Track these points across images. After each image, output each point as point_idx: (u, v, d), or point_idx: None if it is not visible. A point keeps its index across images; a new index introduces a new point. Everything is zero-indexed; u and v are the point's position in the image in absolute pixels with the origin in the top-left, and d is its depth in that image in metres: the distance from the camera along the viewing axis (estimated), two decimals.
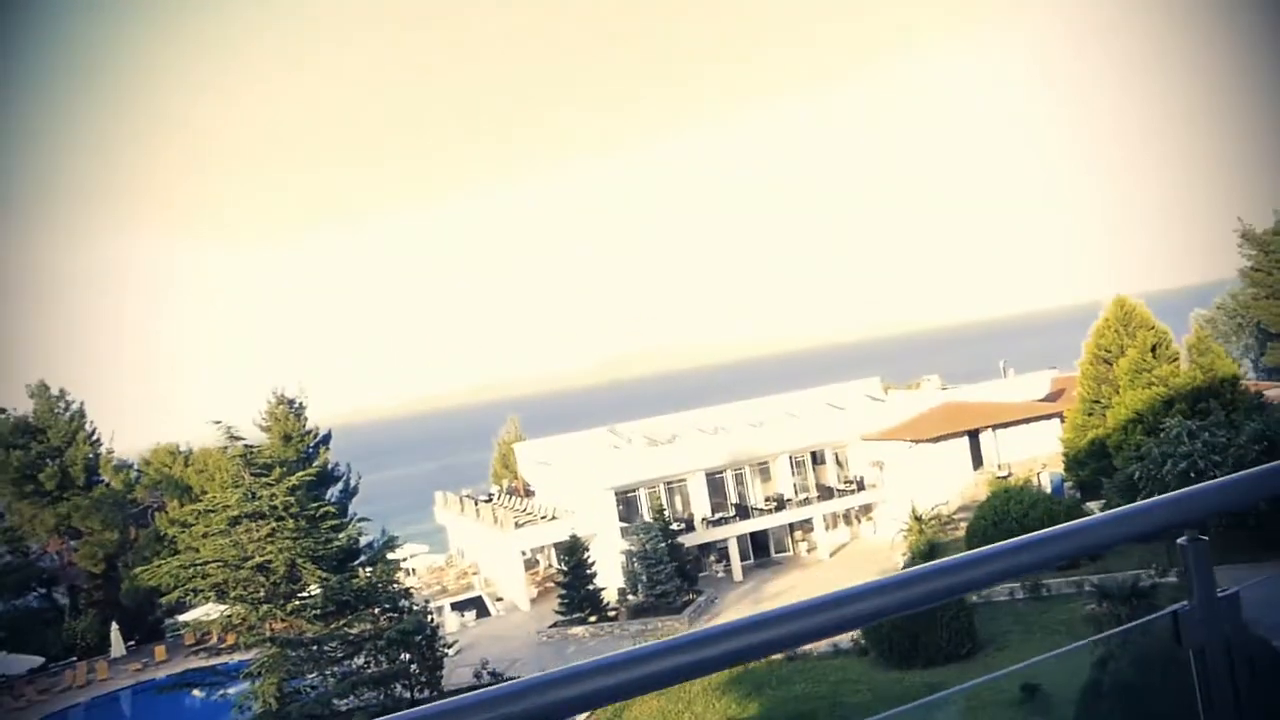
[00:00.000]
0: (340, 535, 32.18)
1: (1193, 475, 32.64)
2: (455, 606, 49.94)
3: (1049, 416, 54.68)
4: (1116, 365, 43.35)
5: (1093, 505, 41.69)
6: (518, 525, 51.07)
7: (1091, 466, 43.55)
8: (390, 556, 53.45)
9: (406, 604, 33.38)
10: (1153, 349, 42.48)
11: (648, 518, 48.85)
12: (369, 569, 35.48)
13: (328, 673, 28.91)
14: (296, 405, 57.04)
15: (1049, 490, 48.01)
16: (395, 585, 34.08)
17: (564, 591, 44.85)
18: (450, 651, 40.00)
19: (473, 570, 55.36)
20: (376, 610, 32.29)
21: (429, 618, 42.39)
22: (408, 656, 31.58)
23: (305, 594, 29.07)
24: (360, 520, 36.80)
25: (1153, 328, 44.08)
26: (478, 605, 50.73)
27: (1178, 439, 34.28)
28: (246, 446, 30.39)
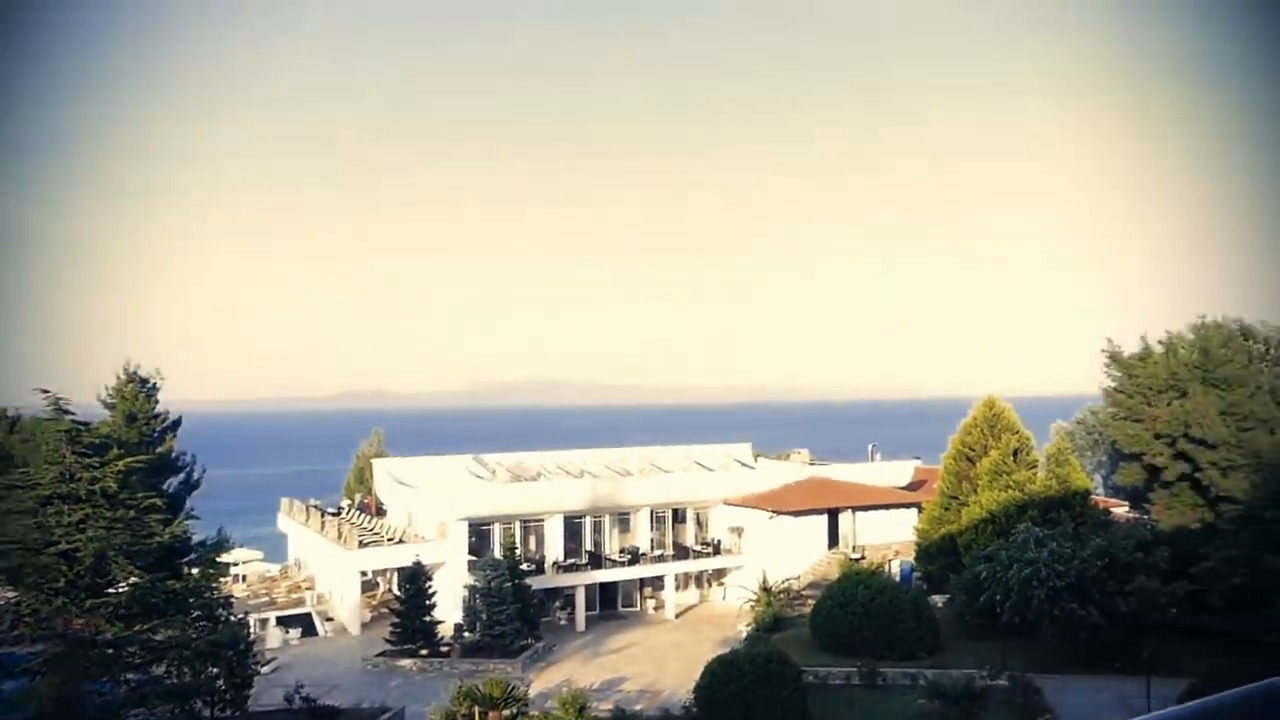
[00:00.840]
0: (164, 531, 29.80)
1: (1035, 583, 33.17)
2: (281, 621, 47.37)
3: (908, 505, 55.51)
4: (979, 464, 44.17)
5: (937, 599, 42.14)
6: (362, 544, 48.96)
7: (941, 561, 44.10)
8: (220, 560, 50.83)
9: (223, 613, 31.12)
10: (1015, 453, 43.45)
11: (499, 554, 47.39)
12: (193, 570, 33.14)
13: (121, 679, 26.55)
14: (149, 385, 53.77)
15: (898, 578, 48.50)
16: (215, 591, 31.80)
17: (398, 620, 42.97)
18: (264, 670, 37.74)
19: (307, 585, 52.76)
20: (189, 616, 30.02)
21: (248, 630, 40.03)
22: (215, 670, 29.37)
23: (111, 590, 26.73)
24: (188, 518, 34.34)
25: (1017, 432, 45.14)
26: (305, 623, 48.23)
27: (1025, 545, 34.82)
28: (75, 422, 27.95)
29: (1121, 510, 54.54)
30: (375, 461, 60.92)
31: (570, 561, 50.57)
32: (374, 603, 51.44)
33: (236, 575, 53.22)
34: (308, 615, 48.87)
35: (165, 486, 47.47)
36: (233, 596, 45.73)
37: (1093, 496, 43.79)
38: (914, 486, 59.23)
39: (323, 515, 56.24)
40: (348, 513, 59.76)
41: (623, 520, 54.06)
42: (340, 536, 49.63)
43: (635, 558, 51.73)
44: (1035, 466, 43.68)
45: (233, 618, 32.38)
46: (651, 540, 53.79)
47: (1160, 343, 56.20)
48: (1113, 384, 56.87)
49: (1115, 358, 56.89)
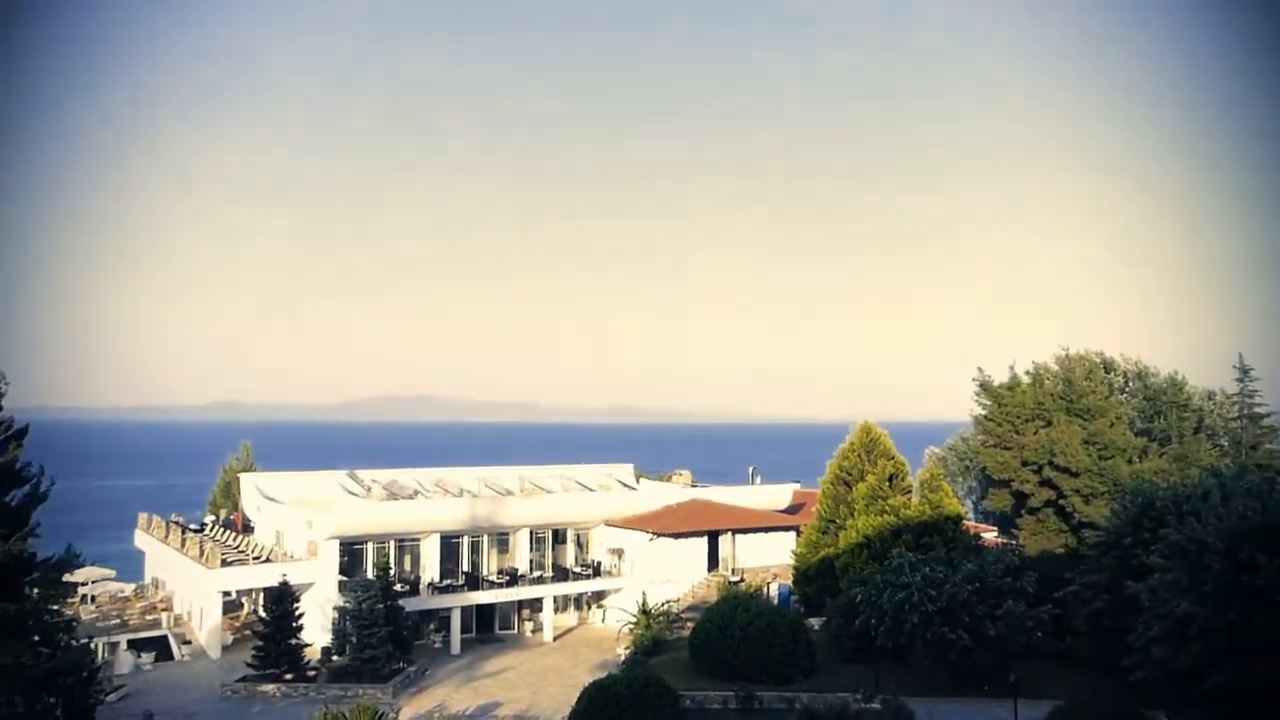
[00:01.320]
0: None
1: (908, 607, 33.63)
2: (133, 645, 44.67)
3: (786, 528, 55.98)
4: (855, 489, 44.78)
5: (813, 621, 42.44)
6: (225, 562, 46.62)
7: (818, 584, 44.49)
8: (66, 579, 47.66)
9: (63, 638, 28.95)
10: (890, 478, 44.20)
11: (372, 574, 45.74)
12: (33, 591, 30.78)
13: None
14: None
15: (776, 601, 48.74)
16: (55, 614, 29.59)
17: (262, 643, 40.95)
18: (109, 698, 35.37)
19: (163, 605, 49.95)
20: (25, 641, 27.82)
21: (94, 655, 37.53)
22: (53, 700, 27.27)
23: None
24: (29, 534, 31.91)
25: (893, 458, 45.95)
26: (160, 646, 45.59)
27: (900, 569, 35.34)
28: None
29: (991, 535, 56.24)
30: (243, 476, 58.29)
31: (446, 582, 49.20)
32: (237, 625, 49.04)
33: (85, 596, 50.03)
34: (163, 638, 46.23)
35: (8, 500, 44.40)
36: (78, 619, 42.98)
37: (964, 522, 44.80)
38: (793, 510, 59.82)
39: (184, 531, 53.44)
40: (211, 529, 57.04)
41: (501, 541, 52.96)
42: (202, 554, 47.16)
43: (513, 579, 50.68)
44: (910, 492, 44.51)
45: (75, 642, 30.20)
46: (530, 561, 52.84)
47: (1027, 373, 58.42)
48: (983, 412, 58.79)
49: (985, 386, 58.82)
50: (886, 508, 42.57)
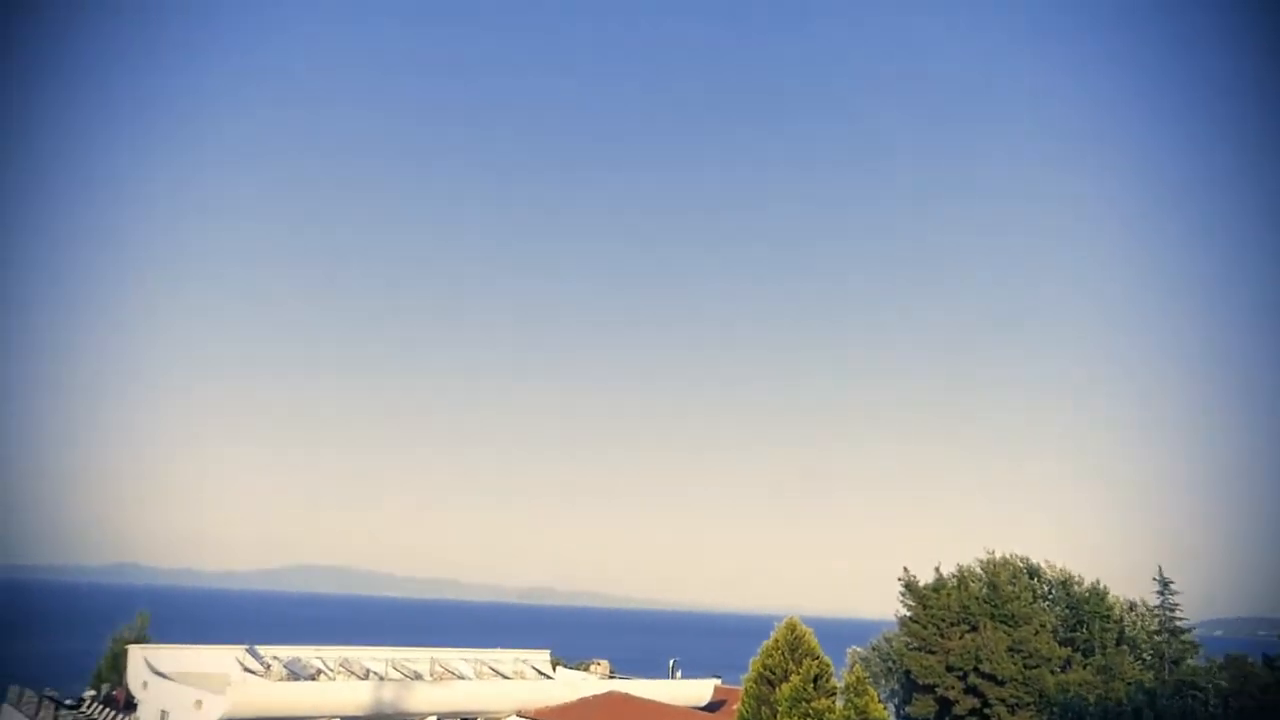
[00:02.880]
0: None
1: None
2: None
3: None
4: (779, 689, 43.29)
5: None
6: None
7: None
8: None
9: None
10: (815, 680, 42.85)
11: None
12: None
13: None
14: None
15: None
16: None
17: None
18: None
19: None
20: None
21: None
22: None
23: None
24: None
25: (817, 657, 44.73)
26: None
27: None
28: None
29: None
30: (131, 648, 54.49)
31: None
32: None
33: None
34: None
35: None
36: None
37: None
38: (713, 707, 57.65)
39: (58, 707, 49.43)
40: (89, 705, 52.85)
41: None
42: None
43: None
44: (834, 694, 43.16)
45: None
46: None
47: (953, 575, 58.33)
48: (908, 613, 58.20)
49: (911, 587, 58.46)
50: (810, 710, 41.03)
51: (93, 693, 56.66)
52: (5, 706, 54.36)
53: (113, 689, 56.77)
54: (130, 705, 52.55)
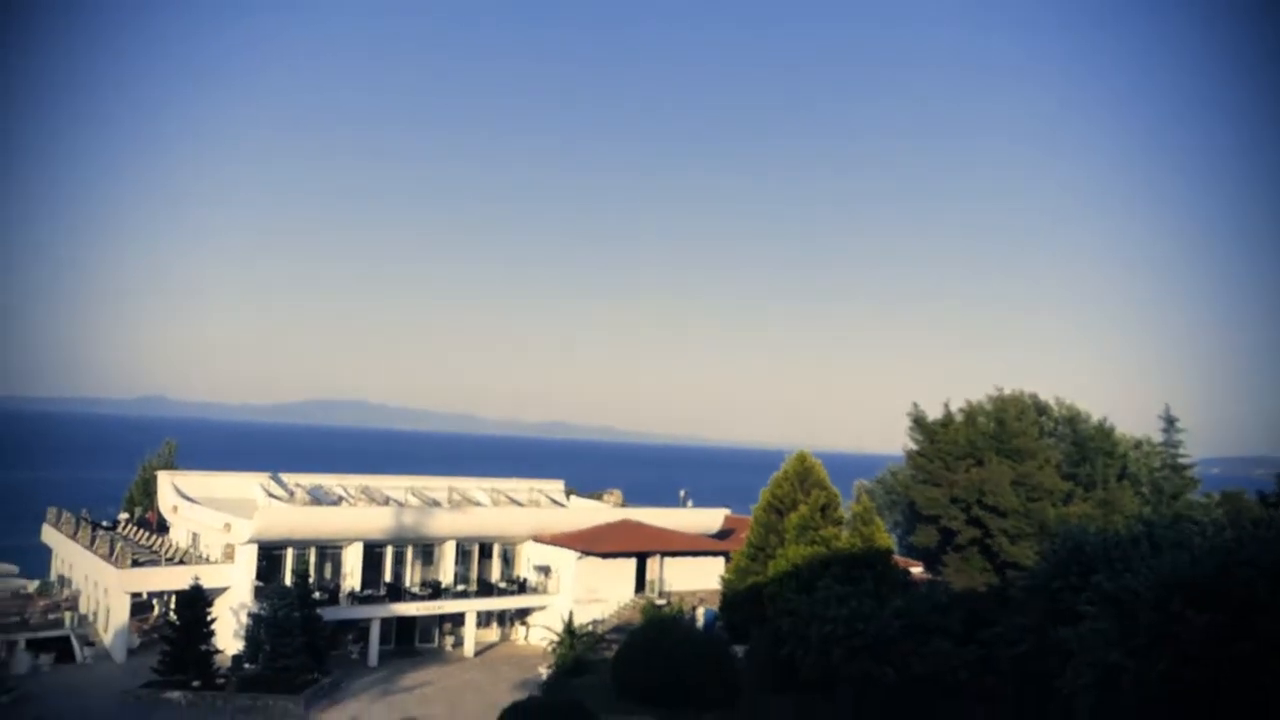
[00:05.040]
0: None
1: (834, 640, 33.41)
2: (32, 645, 42.71)
3: (716, 553, 55.74)
4: (787, 518, 44.64)
5: (738, 649, 42.12)
6: (136, 562, 44.96)
7: (745, 611, 44.14)
8: None
9: None
10: (823, 509, 44.11)
11: (290, 581, 44.39)
12: None
13: None
14: None
15: (701, 626, 48.40)
16: None
17: (170, 647, 39.45)
18: (4, 698, 33.83)
19: (67, 605, 47.90)
20: None
21: None
22: None
23: None
24: None
25: (825, 488, 45.94)
26: (62, 647, 43.68)
27: (827, 601, 35.14)
28: None
29: (918, 570, 56.50)
30: (161, 474, 56.34)
31: (367, 592, 48.01)
32: (145, 627, 47.28)
33: None
34: (65, 638, 44.28)
35: None
36: None
37: (893, 556, 44.89)
38: (723, 535, 59.65)
39: (94, 528, 51.47)
40: (124, 527, 55.03)
41: (426, 552, 51.90)
42: (111, 553, 45.39)
43: (437, 592, 49.63)
44: (841, 523, 44.49)
45: None
46: (455, 574, 51.81)
47: (961, 411, 59.03)
48: (915, 447, 59.23)
49: (919, 422, 59.29)
50: (817, 538, 42.43)
51: (126, 516, 58.89)
52: (45, 527, 56.71)
53: (145, 512, 59.01)
54: (162, 527, 54.73)
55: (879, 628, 32.98)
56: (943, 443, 56.94)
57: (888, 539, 44.53)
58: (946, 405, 59.70)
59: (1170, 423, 57.81)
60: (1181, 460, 58.10)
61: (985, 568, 53.21)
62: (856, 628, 33.17)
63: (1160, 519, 36.89)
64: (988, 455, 54.45)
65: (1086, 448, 57.49)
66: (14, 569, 52.30)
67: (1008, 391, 58.76)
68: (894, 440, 62.70)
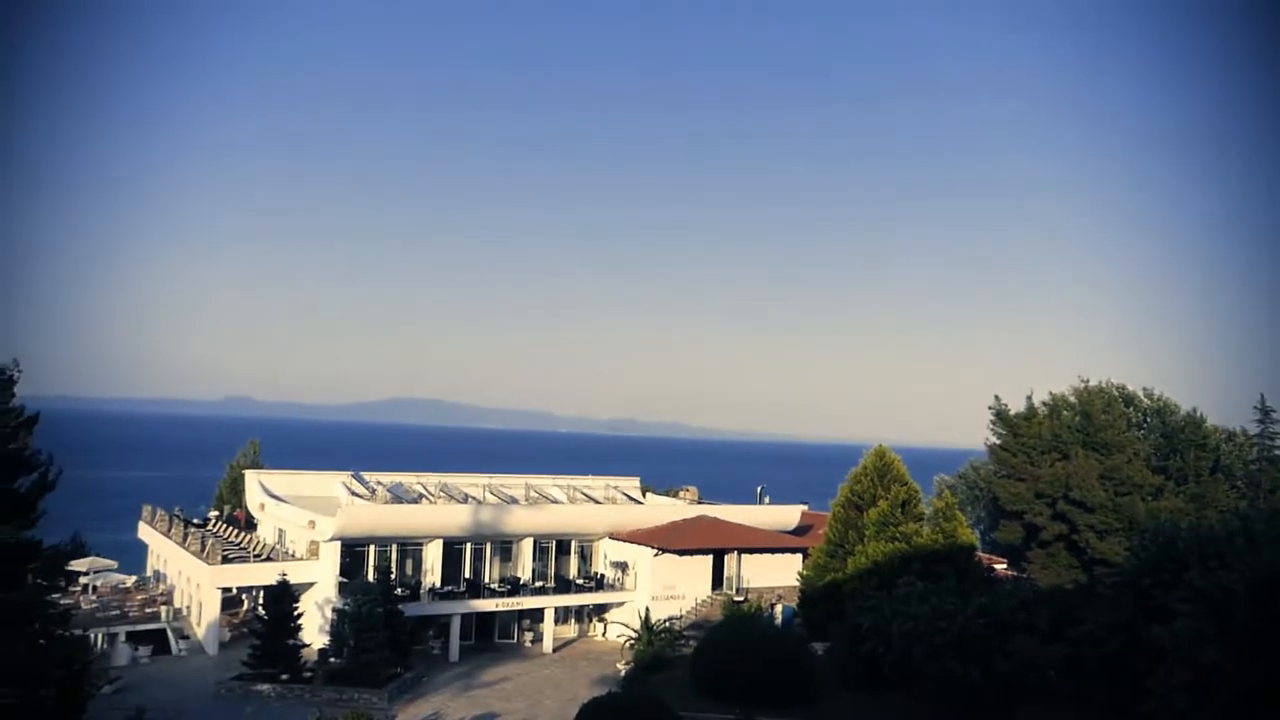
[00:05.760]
0: None
1: (916, 637, 32.93)
2: (131, 637, 44.25)
3: (793, 550, 55.32)
4: (866, 514, 44.15)
5: (817, 646, 41.79)
6: (225, 559, 46.24)
7: (824, 608, 43.78)
8: (67, 568, 47.28)
9: (58, 629, 28.50)
10: (903, 504, 43.55)
11: (372, 577, 45.24)
12: (38, 580, 30.40)
13: None
14: (5, 377, 50.09)
15: (779, 623, 48.11)
16: (52, 605, 29.21)
17: (259, 641, 40.50)
18: (105, 689, 35.03)
19: (163, 599, 49.55)
20: (24, 630, 27.42)
21: (92, 646, 37.12)
22: (44, 692, 26.82)
23: None
24: (31, 523, 31.54)
25: (906, 483, 45.35)
26: (159, 640, 45.17)
27: (908, 598, 34.67)
28: None
29: (1001, 567, 55.45)
30: (248, 473, 57.91)
31: (447, 589, 48.68)
32: (235, 621, 48.62)
33: (86, 585, 49.69)
34: (162, 631, 45.79)
35: (16, 486, 44.24)
36: (78, 608, 42.67)
37: (976, 553, 44.09)
38: (800, 531, 59.17)
39: (186, 525, 53.10)
40: (214, 524, 56.68)
41: (504, 549, 52.46)
42: (202, 549, 46.81)
43: (515, 588, 50.13)
44: (922, 519, 43.86)
45: (70, 633, 29.75)
46: (533, 571, 52.28)
47: (1044, 404, 57.73)
48: (998, 441, 58.10)
49: (1002, 415, 58.16)
50: (898, 534, 41.91)
51: (216, 513, 60.65)
52: (141, 524, 58.73)
53: (233, 510, 60.71)
54: (250, 524, 56.24)
55: (962, 625, 32.43)
56: (1026, 436, 55.78)
57: (970, 535, 43.75)
58: (1029, 398, 58.55)
59: (1266, 414, 55.79)
60: (1279, 452, 55.96)
61: (1072, 564, 52.00)
62: (939, 625, 32.66)
63: (1258, 513, 35.54)
64: (1073, 449, 53.19)
65: (1177, 440, 55.75)
66: (113, 564, 54.20)
67: (1093, 383, 57.30)
68: (972, 435, 61.57)
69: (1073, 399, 56.57)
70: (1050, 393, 58.10)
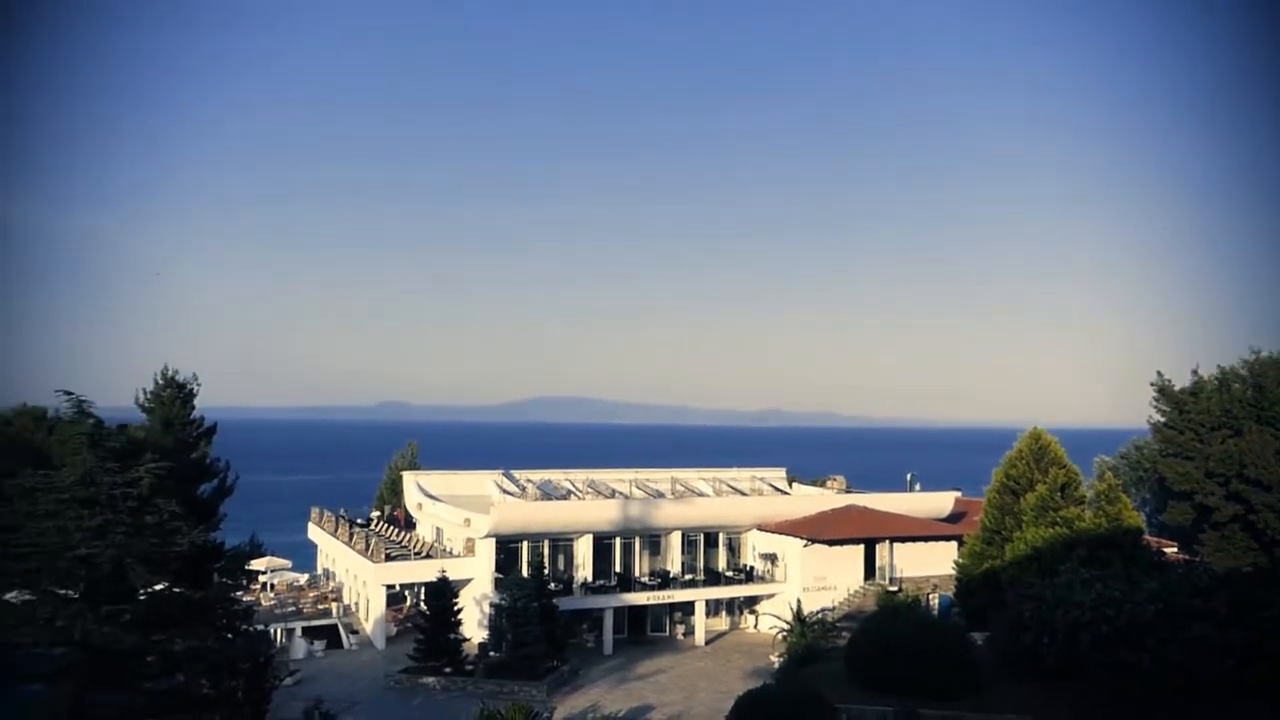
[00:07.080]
0: (187, 537, 29.16)
1: (1082, 626, 31.66)
2: (307, 632, 46.81)
3: (949, 538, 54.01)
4: (1024, 499, 42.68)
5: (977, 636, 40.68)
6: (389, 557, 48.35)
7: (982, 597, 42.55)
8: (248, 567, 50.32)
9: (242, 624, 30.41)
10: (1062, 488, 41.90)
11: (526, 573, 46.51)
12: (223, 579, 32.54)
13: (138, 689, 25.96)
14: (186, 390, 53.57)
15: (935, 612, 47.07)
16: (235, 602, 31.15)
17: (423, 635, 42.22)
18: (286, 681, 37.07)
19: (333, 596, 52.20)
20: (212, 626, 29.39)
21: (272, 641, 39.30)
22: (234, 683, 28.71)
23: (129, 598, 26.16)
24: (214, 526, 33.72)
25: (1064, 466, 43.62)
26: (331, 634, 47.64)
27: (1072, 586, 33.34)
28: (96, 424, 27.40)
29: (1171, 551, 52.73)
30: (406, 474, 60.39)
31: (599, 583, 49.60)
32: (400, 617, 50.78)
33: (265, 584, 52.82)
34: (334, 627, 48.29)
35: (199, 492, 47.27)
36: (258, 605, 45.39)
37: (1144, 536, 42.05)
38: (954, 518, 57.72)
39: (351, 525, 55.76)
40: (376, 524, 59.30)
41: (653, 542, 53.03)
42: (367, 548, 49.08)
43: (665, 581, 50.65)
44: (1083, 503, 42.12)
45: (253, 628, 31.71)
46: (682, 564, 52.69)
47: (1213, 377, 54.45)
48: (1162, 419, 55.12)
49: (1165, 391, 55.16)
50: (1058, 519, 40.33)
51: (377, 513, 63.45)
52: (310, 525, 61.99)
53: (394, 510, 63.37)
54: (410, 524, 58.59)
55: (1131, 613, 30.97)
56: (1193, 413, 52.81)
57: (1136, 518, 41.75)
58: (1195, 371, 55.33)
59: None
60: None
61: (1250, 546, 48.92)
62: (1106, 613, 31.26)
63: None
64: (1246, 424, 50.03)
65: None
66: (287, 563, 57.44)
67: (1264, 354, 53.73)
68: (1128, 413, 58.59)
69: (1243, 371, 53.17)
70: (1219, 366, 54.78)
